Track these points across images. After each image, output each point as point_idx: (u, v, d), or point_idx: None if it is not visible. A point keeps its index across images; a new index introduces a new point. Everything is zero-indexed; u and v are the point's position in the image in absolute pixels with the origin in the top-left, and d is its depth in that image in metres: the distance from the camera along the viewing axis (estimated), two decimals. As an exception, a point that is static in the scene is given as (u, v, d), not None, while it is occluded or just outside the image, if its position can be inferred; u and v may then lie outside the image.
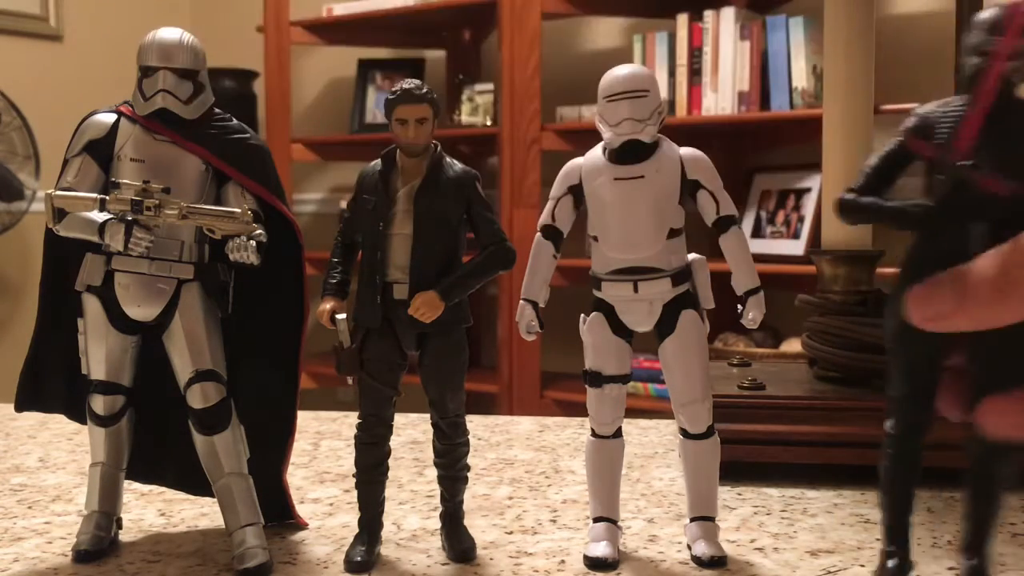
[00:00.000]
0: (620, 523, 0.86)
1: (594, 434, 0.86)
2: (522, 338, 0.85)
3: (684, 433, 0.84)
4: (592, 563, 0.82)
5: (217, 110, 0.87)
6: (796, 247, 2.90)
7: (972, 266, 0.60)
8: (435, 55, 3.89)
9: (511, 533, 0.91)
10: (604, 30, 3.62)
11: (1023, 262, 0.56)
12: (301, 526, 0.93)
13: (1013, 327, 0.60)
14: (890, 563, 0.72)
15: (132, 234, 0.79)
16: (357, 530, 0.84)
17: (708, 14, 3.03)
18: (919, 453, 0.71)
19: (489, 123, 3.43)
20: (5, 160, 3.51)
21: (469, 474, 0.86)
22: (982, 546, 0.70)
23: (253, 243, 0.80)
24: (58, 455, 1.21)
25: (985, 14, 0.67)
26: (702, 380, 0.83)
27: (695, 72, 3.06)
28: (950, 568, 0.80)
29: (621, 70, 0.82)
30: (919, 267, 0.67)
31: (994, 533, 0.70)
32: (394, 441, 0.85)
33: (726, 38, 3.00)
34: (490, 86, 3.47)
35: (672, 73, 3.10)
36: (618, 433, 0.86)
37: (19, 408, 0.90)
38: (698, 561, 0.82)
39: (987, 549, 0.70)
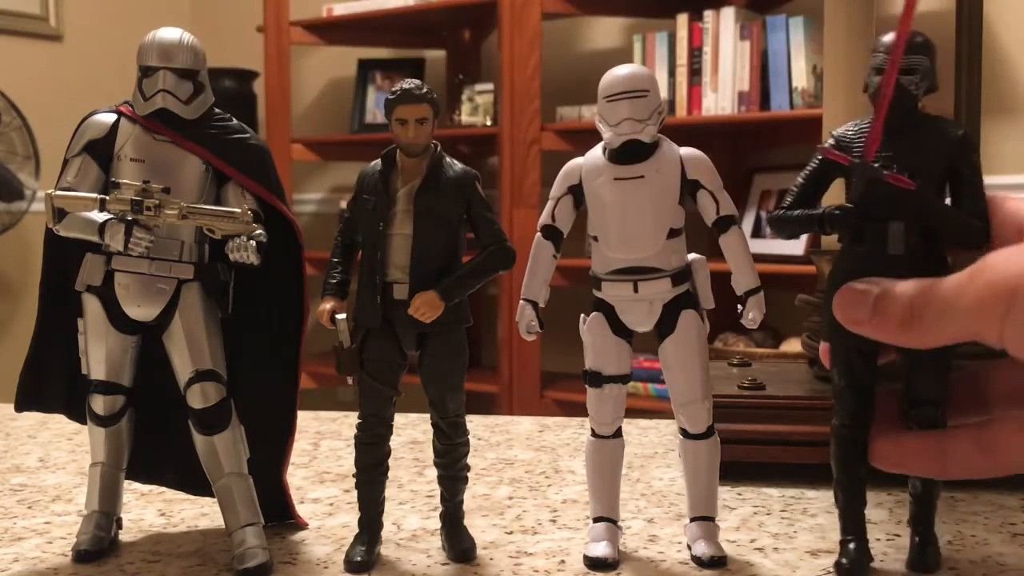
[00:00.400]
0: (620, 523, 0.86)
1: (594, 434, 0.86)
2: (522, 338, 0.85)
3: (684, 433, 0.84)
4: (592, 563, 0.82)
5: (217, 110, 0.87)
6: (796, 247, 2.90)
7: (895, 287, 0.67)
8: (435, 55, 3.89)
9: (511, 533, 0.91)
10: (604, 30, 3.62)
11: (929, 304, 0.64)
12: (301, 526, 0.93)
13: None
14: (850, 547, 0.77)
15: (132, 234, 0.79)
16: (357, 530, 0.84)
17: (708, 14, 3.04)
18: (862, 445, 0.77)
19: (489, 123, 3.43)
20: (5, 160, 3.52)
21: (469, 474, 0.86)
22: (928, 520, 0.78)
23: (253, 243, 0.80)
24: (58, 455, 1.21)
25: (884, 37, 0.76)
26: (702, 380, 0.83)
27: (695, 72, 3.07)
28: (951, 568, 0.80)
29: (621, 70, 0.82)
30: (847, 267, 0.74)
31: (936, 506, 0.77)
32: (394, 441, 0.85)
33: (726, 38, 3.00)
34: (490, 86, 3.47)
35: (672, 73, 3.10)
36: (618, 433, 0.86)
37: (19, 408, 0.90)
38: (698, 561, 0.82)
39: (933, 521, 0.77)
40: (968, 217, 0.74)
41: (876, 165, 0.73)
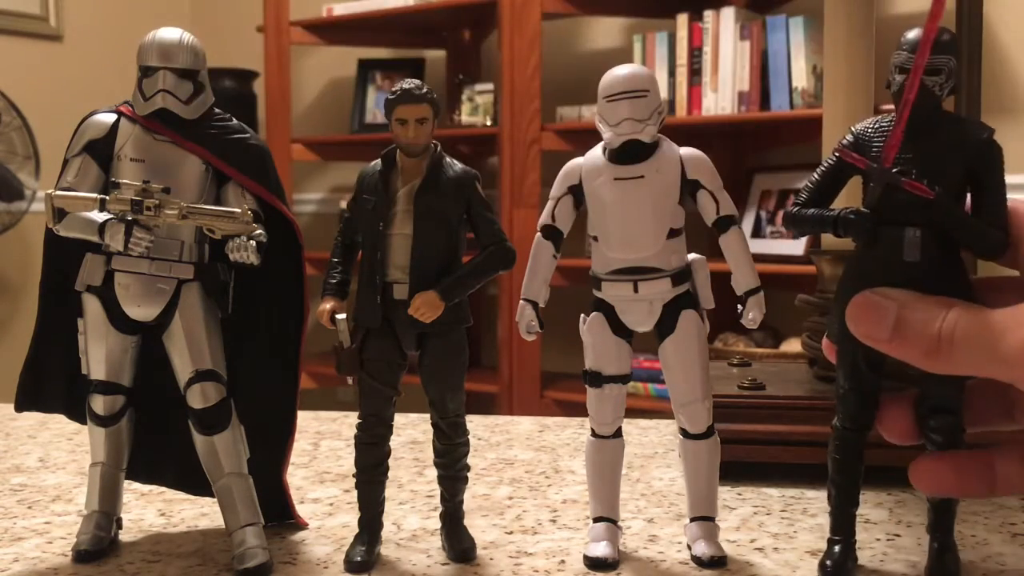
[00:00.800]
0: (620, 523, 0.86)
1: (594, 434, 0.86)
2: (522, 338, 0.85)
3: (684, 433, 0.84)
4: (592, 563, 0.82)
5: (217, 110, 0.87)
6: (796, 247, 2.90)
7: (921, 307, 0.64)
8: (435, 55, 3.89)
9: (511, 533, 0.91)
10: (604, 30, 3.62)
11: (962, 338, 0.61)
12: (301, 526, 0.93)
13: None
14: (835, 548, 0.78)
15: (132, 234, 0.79)
16: (357, 530, 0.84)
17: (708, 14, 3.04)
18: (861, 448, 0.77)
19: (489, 123, 3.43)
20: (5, 160, 3.52)
21: (469, 474, 0.86)
22: (947, 527, 0.77)
23: (253, 243, 0.80)
24: (58, 455, 1.21)
25: (909, 34, 0.74)
26: (702, 380, 0.83)
27: (695, 72, 3.07)
28: (951, 568, 0.80)
29: (621, 70, 0.82)
30: (861, 272, 0.74)
31: (955, 513, 0.76)
32: (394, 441, 0.85)
33: (726, 38, 3.00)
34: (490, 86, 3.47)
35: (672, 73, 3.10)
36: (618, 433, 0.86)
37: (19, 408, 0.90)
38: (698, 561, 0.82)
39: (952, 528, 0.77)
40: (987, 227, 0.71)
41: (895, 171, 0.71)
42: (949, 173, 0.72)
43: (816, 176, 0.78)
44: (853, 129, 0.77)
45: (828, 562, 0.78)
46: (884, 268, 0.72)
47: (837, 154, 0.76)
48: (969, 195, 0.74)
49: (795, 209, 0.78)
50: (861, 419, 0.77)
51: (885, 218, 0.73)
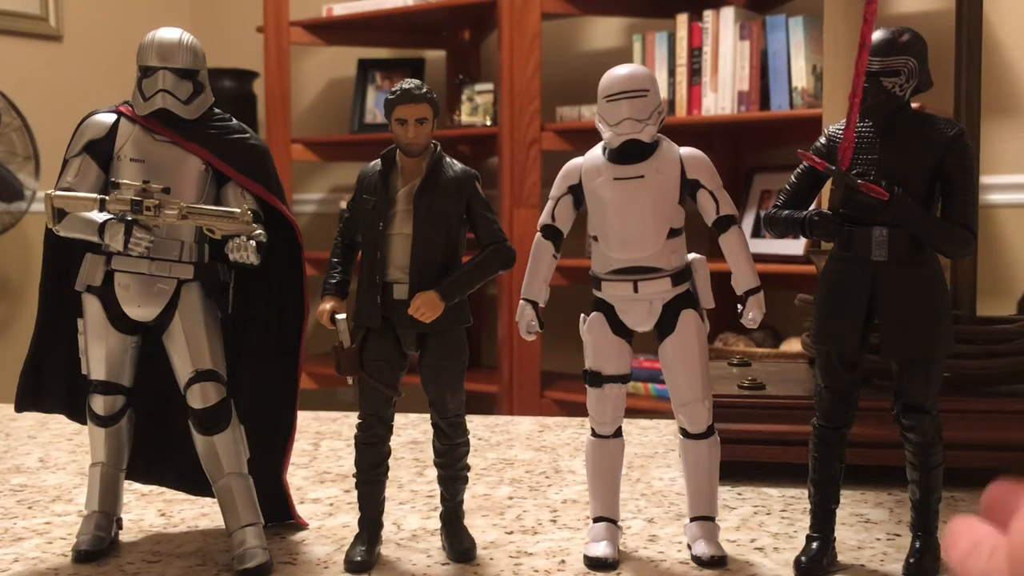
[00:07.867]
0: (620, 523, 0.86)
1: (594, 434, 0.86)
2: (522, 338, 0.86)
3: (684, 433, 0.84)
4: (592, 563, 0.82)
5: (217, 110, 0.87)
6: (796, 247, 2.90)
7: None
8: (435, 55, 3.89)
9: (511, 533, 0.91)
10: (604, 30, 3.62)
11: None
12: (301, 526, 0.93)
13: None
14: (813, 545, 0.80)
15: (132, 234, 0.79)
16: (357, 530, 0.84)
17: (708, 14, 3.03)
18: (840, 446, 0.79)
19: (489, 123, 3.42)
20: (5, 160, 3.51)
21: (469, 474, 0.86)
22: (929, 527, 0.78)
23: (253, 243, 0.80)
24: (58, 455, 1.21)
25: (875, 35, 0.76)
26: (702, 380, 0.83)
27: (695, 72, 3.06)
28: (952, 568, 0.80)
29: (621, 70, 0.82)
30: (833, 270, 0.77)
31: (937, 512, 0.78)
32: (394, 441, 0.85)
33: (726, 38, 3.00)
34: (490, 86, 3.47)
35: (672, 73, 3.10)
36: (618, 433, 0.86)
37: (19, 408, 0.90)
38: (698, 561, 0.82)
39: (933, 529, 0.78)
40: (952, 224, 0.74)
41: (853, 173, 0.73)
42: (917, 171, 0.74)
43: (793, 179, 0.80)
44: (827, 131, 0.78)
45: (803, 558, 0.79)
46: (854, 267, 0.75)
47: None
48: (940, 192, 0.76)
49: (772, 211, 0.80)
50: (837, 417, 0.79)
51: (856, 219, 0.75)
